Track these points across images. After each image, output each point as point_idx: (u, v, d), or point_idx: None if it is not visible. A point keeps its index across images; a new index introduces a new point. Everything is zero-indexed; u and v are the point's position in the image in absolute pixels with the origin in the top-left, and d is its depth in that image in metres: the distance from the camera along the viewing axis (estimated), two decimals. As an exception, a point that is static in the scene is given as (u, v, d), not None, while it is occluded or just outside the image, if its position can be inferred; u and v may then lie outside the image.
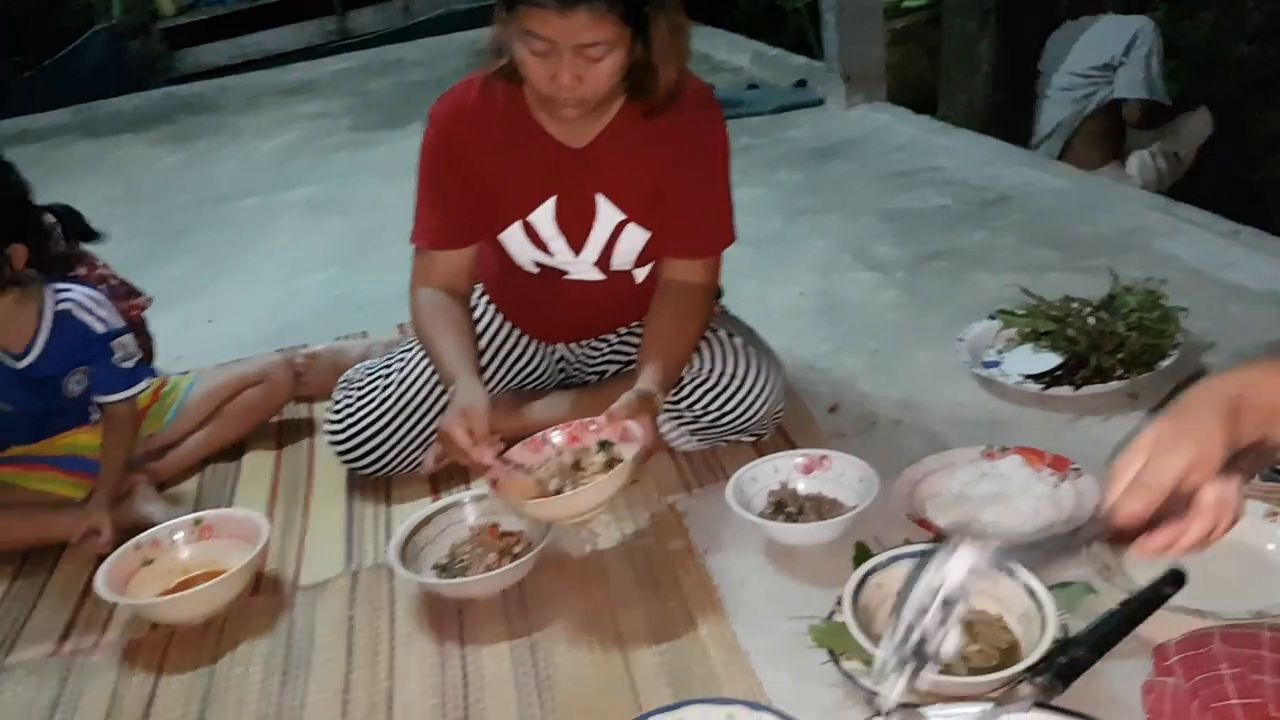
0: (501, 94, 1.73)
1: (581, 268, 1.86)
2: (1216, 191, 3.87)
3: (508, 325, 2.02)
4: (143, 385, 1.92)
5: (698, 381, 1.81)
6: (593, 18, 1.49)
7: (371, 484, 1.92)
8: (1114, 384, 1.86)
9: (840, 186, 3.24)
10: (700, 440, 1.87)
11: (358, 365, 2.01)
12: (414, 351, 1.92)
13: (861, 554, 1.45)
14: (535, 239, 1.82)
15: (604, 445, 1.58)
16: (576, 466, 1.58)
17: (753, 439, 1.88)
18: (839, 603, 1.36)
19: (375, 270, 2.99)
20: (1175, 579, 0.99)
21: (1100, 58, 3.97)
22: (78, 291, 1.87)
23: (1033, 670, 1.07)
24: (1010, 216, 2.77)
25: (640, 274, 1.89)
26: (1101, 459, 1.67)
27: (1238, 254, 2.31)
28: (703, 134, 1.75)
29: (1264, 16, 4.42)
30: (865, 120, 3.77)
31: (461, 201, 1.79)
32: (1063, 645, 1.12)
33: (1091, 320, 1.98)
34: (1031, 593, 1.27)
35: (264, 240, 3.52)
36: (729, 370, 1.82)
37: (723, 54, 5.07)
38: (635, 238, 1.81)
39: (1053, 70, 4.10)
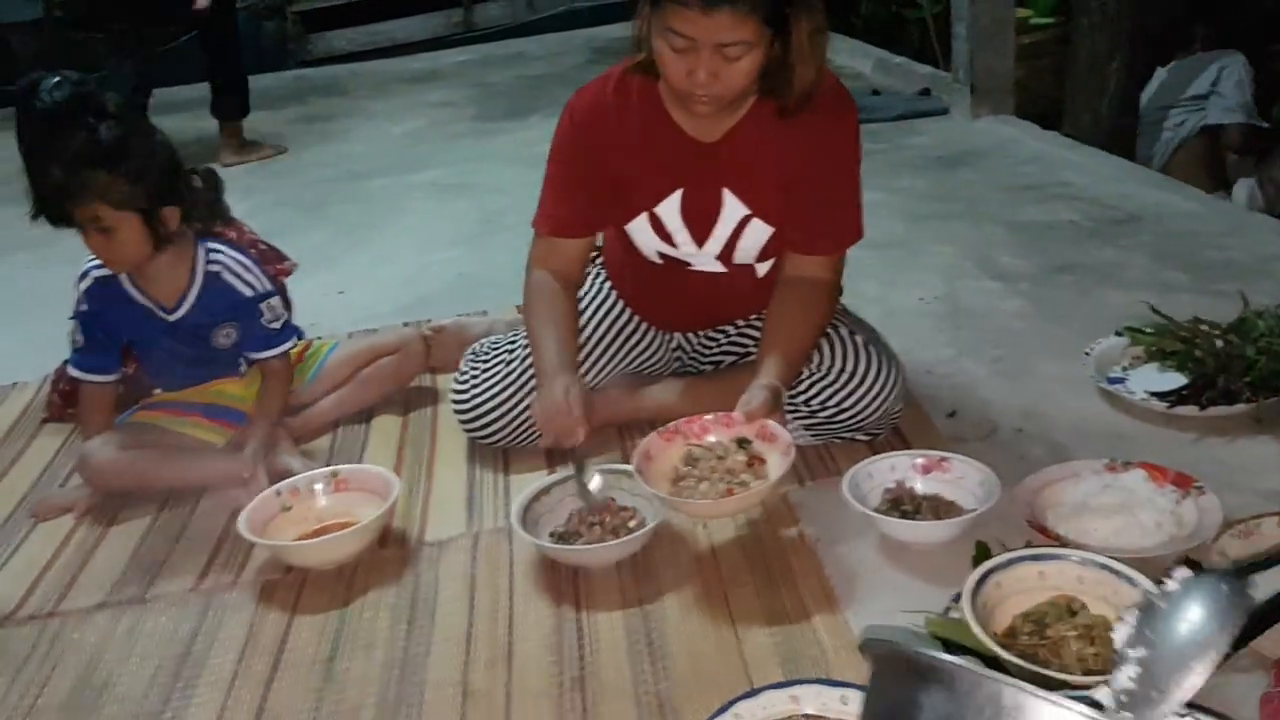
0: (637, 88, 1.77)
1: (704, 260, 1.89)
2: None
3: (627, 311, 2.06)
4: (289, 344, 2.04)
5: (817, 377, 1.84)
6: (735, 18, 1.51)
7: (491, 453, 2.00)
8: (1240, 406, 1.82)
9: (965, 195, 3.21)
10: (815, 435, 1.89)
11: (483, 340, 2.08)
12: None
13: (982, 553, 1.46)
14: (661, 230, 1.86)
15: (742, 443, 1.62)
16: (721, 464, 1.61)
17: (868, 438, 1.89)
18: (956, 599, 1.37)
19: (498, 251, 3.08)
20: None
21: (1193, 89, 4.04)
22: (227, 255, 1.98)
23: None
24: (1140, 236, 2.71)
25: (762, 268, 1.91)
26: (1225, 479, 1.65)
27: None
28: (833, 133, 1.76)
29: None
30: (991, 132, 3.73)
31: (589, 193, 1.84)
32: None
33: (1220, 343, 1.94)
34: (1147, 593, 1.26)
35: (395, 217, 3.65)
36: (849, 367, 1.83)
37: (844, 60, 5.05)
38: (759, 232, 1.83)
39: (1145, 103, 4.10)
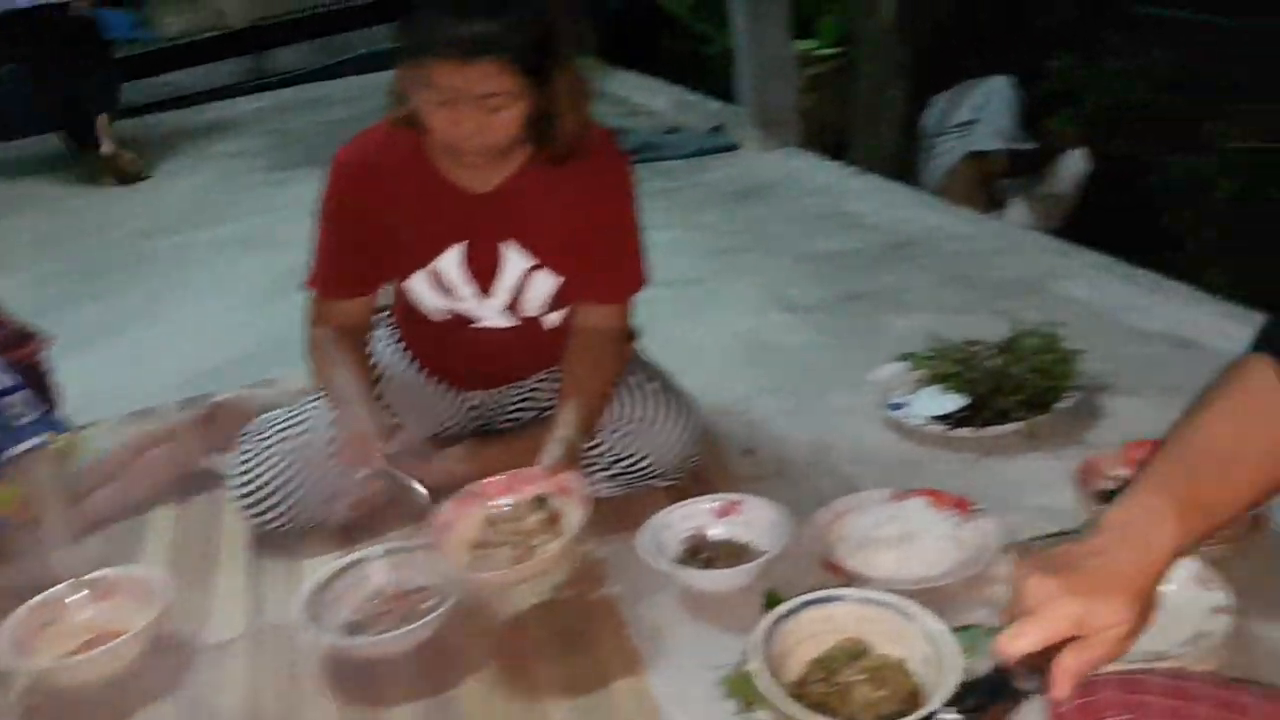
0: (404, 141, 1.74)
1: (490, 314, 1.86)
2: (1120, 236, 4.04)
3: (421, 374, 2.01)
4: (40, 440, 1.86)
5: (611, 427, 1.82)
6: (494, 69, 1.52)
7: (279, 538, 1.88)
8: (1013, 425, 1.91)
9: (757, 229, 3.29)
10: (615, 486, 1.88)
11: (262, 416, 1.97)
12: (322, 399, 1.90)
13: (773, 600, 1.46)
14: (442, 286, 1.82)
15: (539, 501, 1.58)
16: (515, 526, 1.57)
17: (668, 484, 1.89)
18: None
19: (289, 312, 2.92)
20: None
21: (961, 115, 4.25)
22: None
23: (933, 715, 1.08)
24: (920, 260, 2.84)
25: (551, 320, 1.89)
26: (1004, 498, 1.72)
27: (1135, 297, 2.40)
28: (609, 181, 1.78)
29: (1166, 65, 4.62)
30: (780, 165, 3.85)
31: (360, 251, 1.80)
32: (965, 688, 1.13)
33: (989, 364, 2.04)
34: (932, 637, 1.30)
35: (180, 281, 3.47)
36: (642, 415, 1.83)
37: (642, 98, 5.14)
38: (545, 284, 1.82)
39: (931, 131, 4.34)
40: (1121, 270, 2.54)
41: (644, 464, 1.84)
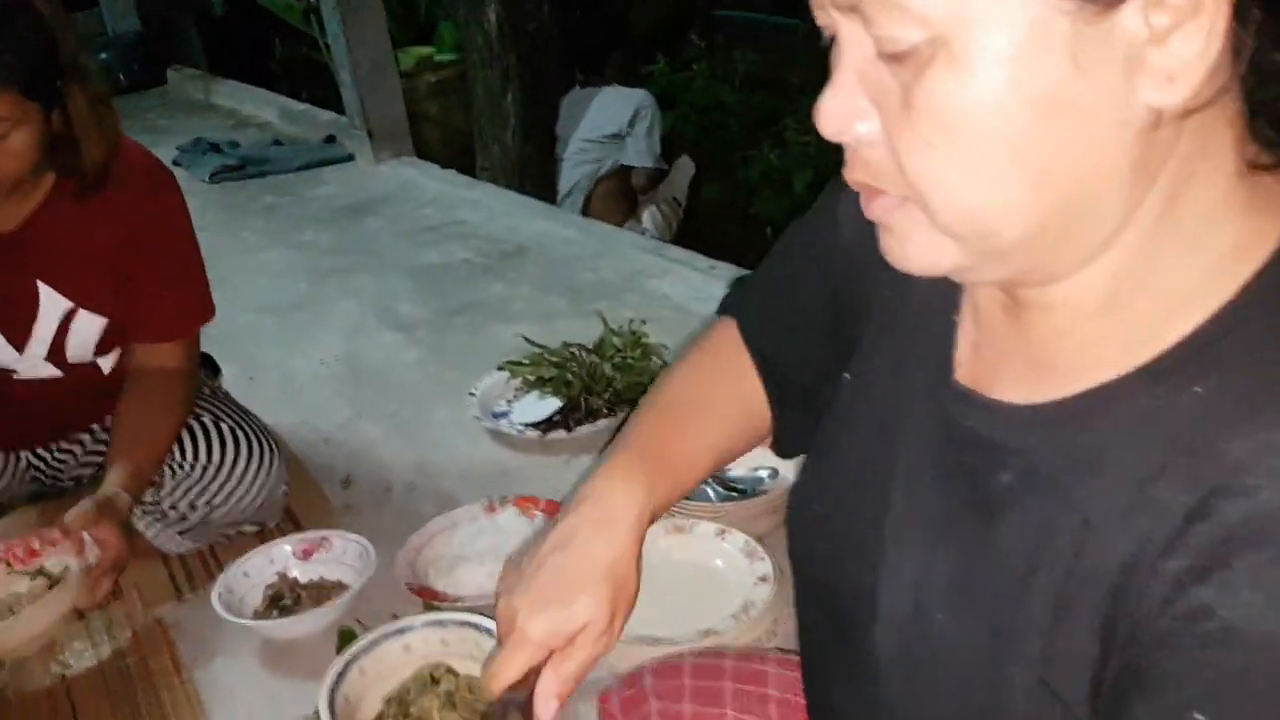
0: None
1: (31, 364, 1.66)
2: (723, 229, 4.36)
3: None
4: None
5: (180, 476, 1.67)
6: None
7: None
8: (604, 422, 1.98)
9: (369, 245, 3.20)
10: (194, 539, 1.73)
11: None
12: None
13: (347, 638, 1.41)
14: None
15: (40, 572, 1.42)
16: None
17: (256, 528, 1.77)
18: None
19: None
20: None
21: (609, 127, 4.37)
22: None
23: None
24: (526, 267, 2.89)
25: (106, 363, 1.72)
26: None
27: (715, 288, 2.58)
28: (151, 209, 1.63)
29: (747, 66, 5.03)
30: (393, 175, 3.77)
31: None
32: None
33: (586, 363, 2.10)
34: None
35: None
36: (216, 459, 1.69)
37: (249, 109, 4.86)
38: (90, 325, 1.64)
39: (568, 134, 4.43)
40: (702, 264, 2.72)
41: (222, 511, 1.70)
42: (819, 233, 0.78)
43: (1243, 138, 0.51)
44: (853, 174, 0.54)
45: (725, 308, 0.93)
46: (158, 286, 1.65)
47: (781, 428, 0.87)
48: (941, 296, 0.65)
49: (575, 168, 4.40)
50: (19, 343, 1.63)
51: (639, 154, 4.39)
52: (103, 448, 1.81)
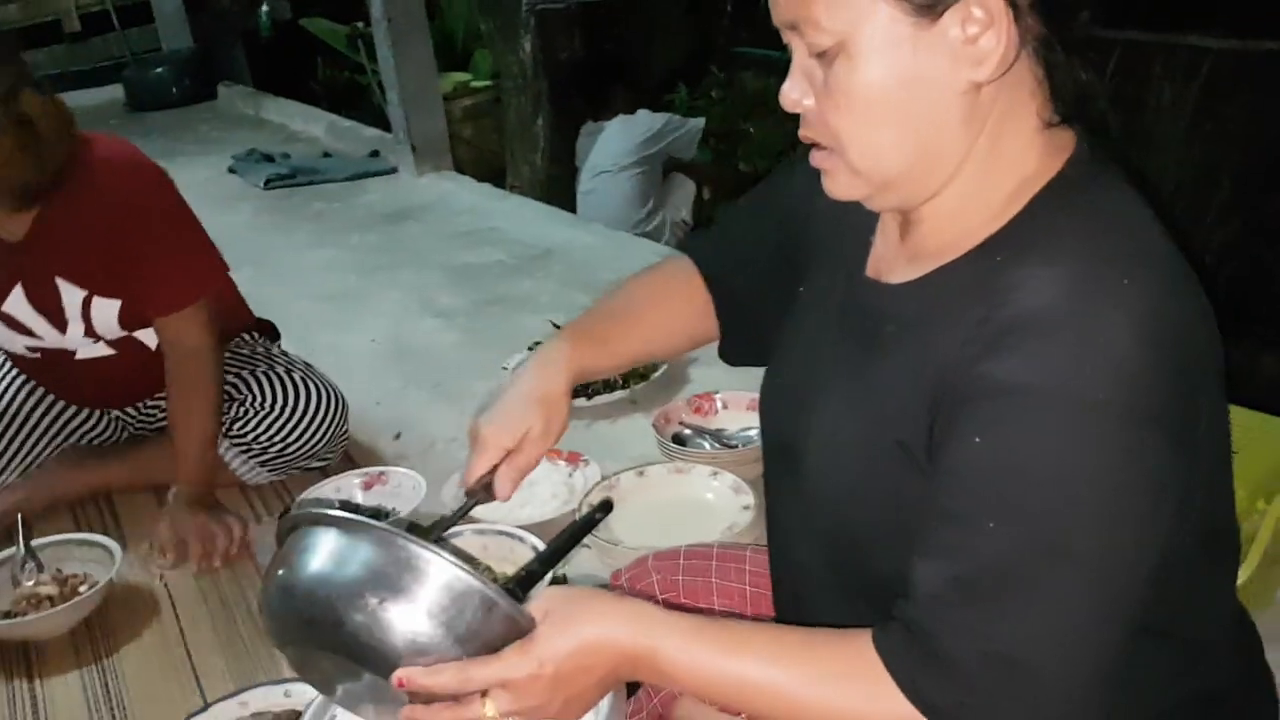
0: None
1: (78, 345, 1.89)
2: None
3: (49, 396, 2.04)
4: None
5: (261, 415, 1.98)
6: None
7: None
8: (619, 393, 2.29)
9: (411, 246, 3.53)
10: (271, 471, 2.04)
11: None
12: None
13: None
14: (17, 326, 1.86)
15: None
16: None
17: (321, 464, 2.07)
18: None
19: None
20: (605, 506, 1.33)
21: (630, 158, 4.38)
22: None
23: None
24: (553, 268, 3.21)
25: (147, 339, 1.93)
26: (608, 452, 2.07)
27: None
28: (136, 187, 1.77)
29: (762, 96, 5.37)
30: (434, 187, 4.12)
31: None
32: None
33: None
34: (537, 552, 1.60)
35: None
36: (290, 401, 1.99)
37: (297, 124, 5.23)
38: (106, 309, 1.84)
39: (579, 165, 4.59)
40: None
41: (294, 447, 2.00)
42: (775, 188, 1.12)
43: (1041, 103, 0.83)
44: (804, 132, 0.86)
45: (682, 249, 1.24)
46: (158, 258, 1.77)
47: (726, 339, 1.19)
48: (863, 223, 0.97)
49: (613, 193, 4.41)
50: (60, 327, 1.86)
51: (686, 146, 4.54)
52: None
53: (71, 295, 1.83)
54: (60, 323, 1.85)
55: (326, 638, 0.86)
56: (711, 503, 1.79)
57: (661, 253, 3.32)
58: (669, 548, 1.46)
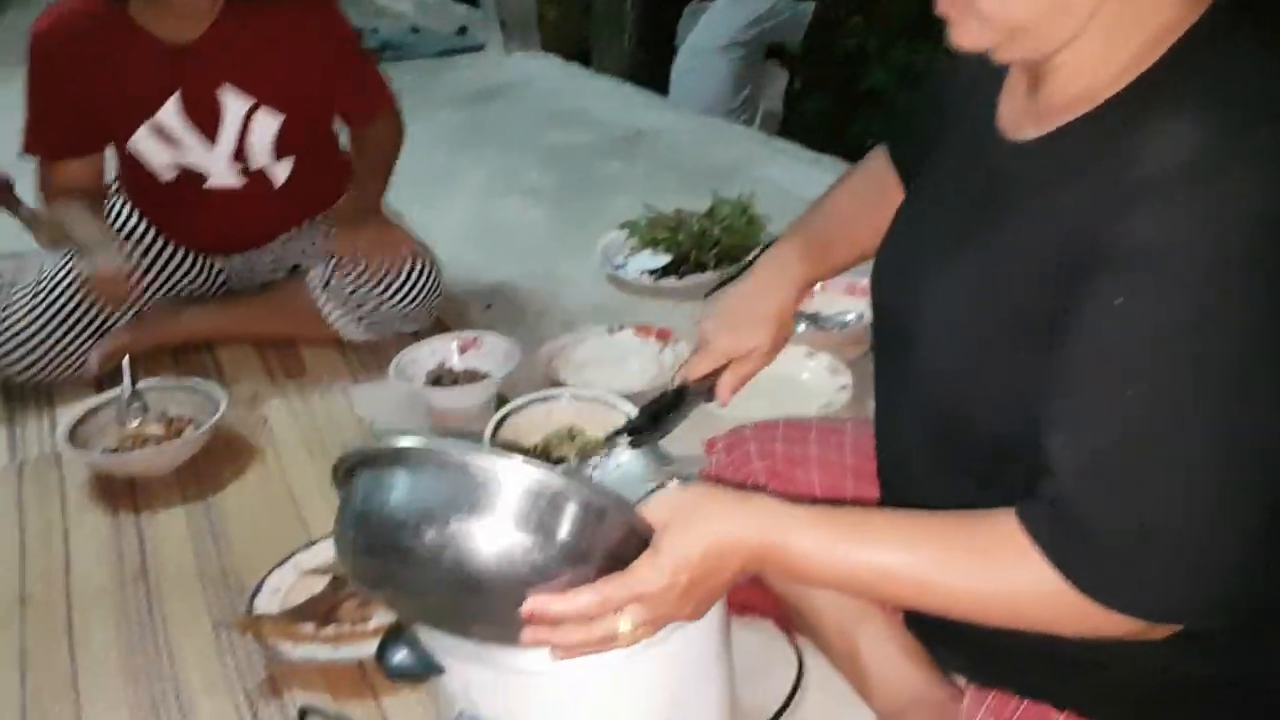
0: (99, 2, 1.82)
1: (218, 166, 1.96)
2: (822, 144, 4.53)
3: (160, 238, 2.09)
4: None
5: (359, 269, 2.00)
6: None
7: (32, 390, 1.96)
8: (709, 274, 2.26)
9: (497, 124, 3.50)
10: (367, 328, 2.06)
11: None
12: (65, 257, 1.96)
13: (501, 401, 1.73)
14: (166, 139, 1.92)
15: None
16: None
17: (414, 328, 2.09)
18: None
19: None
20: (708, 392, 1.30)
21: (726, 35, 4.17)
22: None
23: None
24: (642, 150, 3.15)
25: (279, 173, 2.02)
26: (694, 330, 2.05)
27: (818, 175, 2.81)
28: (318, 19, 1.95)
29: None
30: (522, 66, 4.05)
31: (75, 112, 1.88)
32: (645, 407, 1.32)
33: (696, 226, 2.37)
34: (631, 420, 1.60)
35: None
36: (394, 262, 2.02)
37: (385, 0, 5.16)
38: (268, 125, 1.94)
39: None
40: (806, 155, 2.96)
41: (389, 304, 2.03)
42: (937, 76, 1.07)
43: None
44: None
45: (883, 135, 1.22)
46: (351, 79, 2.02)
47: None
48: (989, 84, 0.92)
49: (716, 70, 4.18)
50: (210, 138, 1.93)
51: (795, 30, 4.27)
52: (284, 259, 2.15)
53: (235, 105, 1.90)
54: (212, 134, 1.92)
55: (431, 575, 0.80)
56: (806, 381, 1.77)
57: (755, 139, 3.24)
58: (765, 419, 1.45)
